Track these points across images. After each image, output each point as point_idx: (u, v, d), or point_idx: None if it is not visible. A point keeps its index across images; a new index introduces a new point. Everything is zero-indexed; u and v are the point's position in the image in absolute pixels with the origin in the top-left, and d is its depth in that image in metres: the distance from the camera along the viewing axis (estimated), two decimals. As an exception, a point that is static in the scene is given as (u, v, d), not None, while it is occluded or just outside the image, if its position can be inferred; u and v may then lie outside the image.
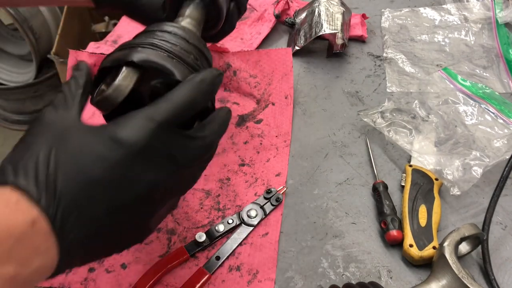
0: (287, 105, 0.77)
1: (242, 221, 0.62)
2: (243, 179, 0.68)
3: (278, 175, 0.68)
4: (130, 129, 0.33)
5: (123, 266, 0.59)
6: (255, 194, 0.66)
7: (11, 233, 0.28)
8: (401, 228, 0.59)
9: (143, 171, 0.33)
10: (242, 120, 0.76)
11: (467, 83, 0.77)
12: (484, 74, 0.82)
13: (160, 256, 0.60)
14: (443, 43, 0.88)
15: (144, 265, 0.59)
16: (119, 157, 0.32)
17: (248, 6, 0.98)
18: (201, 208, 0.65)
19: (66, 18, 1.40)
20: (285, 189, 0.66)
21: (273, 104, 0.78)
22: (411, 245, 0.57)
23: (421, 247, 0.57)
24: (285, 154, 0.71)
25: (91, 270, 0.59)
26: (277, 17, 0.91)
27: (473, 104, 0.73)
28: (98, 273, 0.58)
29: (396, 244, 0.59)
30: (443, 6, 0.93)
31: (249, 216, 0.63)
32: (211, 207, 0.65)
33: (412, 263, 0.57)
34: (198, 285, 0.56)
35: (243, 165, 0.70)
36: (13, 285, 0.29)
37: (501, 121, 0.70)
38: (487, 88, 0.76)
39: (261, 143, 0.73)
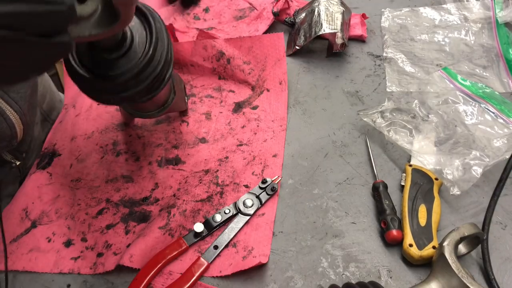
0: (281, 90, 0.78)
1: (239, 211, 0.63)
2: (241, 156, 0.70)
3: (275, 156, 0.70)
4: None
5: (128, 245, 0.60)
6: (253, 173, 0.67)
7: None
8: (401, 227, 0.59)
9: None
10: (239, 106, 0.77)
11: (467, 83, 0.77)
12: (484, 73, 0.82)
13: (159, 228, 0.60)
14: (443, 42, 0.88)
15: (144, 237, 0.59)
16: None
17: (248, 5, 0.99)
18: (200, 182, 0.65)
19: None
20: (280, 178, 0.67)
21: (268, 90, 0.79)
22: (410, 245, 0.57)
23: (420, 247, 0.57)
24: (281, 137, 0.72)
25: (99, 255, 0.60)
26: (276, 14, 0.91)
27: (473, 104, 0.73)
28: (107, 257, 0.59)
29: (396, 244, 0.59)
30: (443, 5, 0.93)
31: (245, 206, 0.63)
32: (210, 181, 0.66)
33: (412, 263, 0.57)
34: (197, 274, 0.57)
35: (241, 145, 0.72)
36: None
37: (501, 120, 0.70)
38: (487, 87, 0.76)
39: (258, 126, 0.74)
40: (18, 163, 0.70)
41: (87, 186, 0.68)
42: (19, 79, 0.39)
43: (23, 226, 0.63)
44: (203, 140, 0.73)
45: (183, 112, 0.76)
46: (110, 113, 0.77)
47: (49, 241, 0.62)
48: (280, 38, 0.84)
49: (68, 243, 0.62)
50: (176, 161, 0.70)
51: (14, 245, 0.62)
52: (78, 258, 0.60)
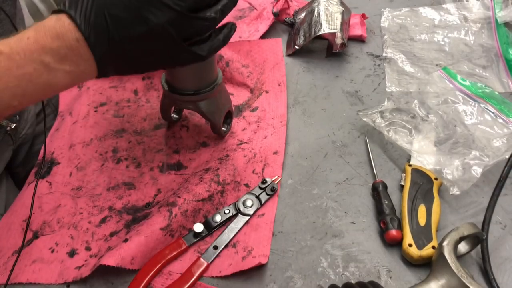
0: (280, 91, 0.79)
1: (239, 211, 0.63)
2: (242, 154, 0.70)
3: (275, 153, 0.69)
4: None
5: (125, 240, 0.59)
6: (253, 172, 0.67)
7: (65, 44, 0.44)
8: (400, 227, 0.59)
9: (151, 13, 0.44)
10: (239, 110, 0.77)
11: (467, 83, 0.77)
12: (484, 73, 0.82)
13: (161, 229, 0.60)
14: (443, 42, 0.88)
15: (145, 237, 0.59)
16: (132, 3, 0.44)
17: (248, 5, 0.99)
18: (201, 181, 0.65)
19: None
20: (280, 178, 0.67)
21: (266, 92, 0.79)
22: (410, 245, 0.57)
23: (420, 247, 0.57)
24: (282, 133, 0.72)
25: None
26: (276, 14, 0.91)
27: (473, 104, 0.73)
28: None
29: (395, 244, 0.59)
30: (443, 5, 0.93)
31: (245, 206, 0.63)
32: (211, 180, 0.65)
33: (412, 263, 0.57)
34: (197, 274, 0.57)
35: (241, 143, 0.71)
36: (71, 78, 0.46)
37: (500, 120, 0.70)
38: (486, 87, 0.76)
39: (258, 126, 0.74)
40: (13, 125, 0.70)
41: (88, 194, 0.67)
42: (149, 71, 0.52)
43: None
44: (204, 144, 0.73)
45: (216, 129, 0.71)
46: (108, 120, 0.77)
47: (52, 251, 0.61)
48: (278, 43, 0.85)
49: (72, 253, 0.61)
50: (178, 166, 0.70)
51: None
52: (82, 266, 0.59)
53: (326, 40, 0.87)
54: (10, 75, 0.43)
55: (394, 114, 0.72)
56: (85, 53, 0.45)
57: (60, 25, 0.44)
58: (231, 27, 0.54)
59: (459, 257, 0.55)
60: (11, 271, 0.57)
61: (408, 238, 0.57)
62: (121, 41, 0.45)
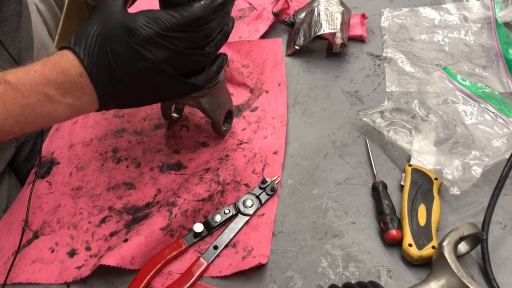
0: (280, 91, 0.79)
1: (239, 211, 0.63)
2: (242, 154, 0.69)
3: (275, 153, 0.69)
4: (143, 24, 0.47)
5: (125, 240, 0.59)
6: (253, 172, 0.67)
7: (69, 78, 0.47)
8: (400, 227, 0.59)
9: (149, 51, 0.47)
10: (239, 110, 0.77)
11: (467, 83, 0.77)
12: (484, 73, 0.82)
13: (161, 229, 0.60)
14: (443, 42, 0.88)
15: (145, 237, 0.59)
16: (132, 41, 0.47)
17: (248, 5, 0.99)
18: (201, 180, 0.65)
19: (66, 17, 1.40)
20: (280, 178, 0.67)
21: (266, 92, 0.79)
22: (410, 245, 0.57)
23: (420, 247, 0.57)
24: (282, 133, 0.72)
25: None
26: (276, 15, 0.91)
27: (473, 104, 0.73)
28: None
29: (395, 244, 0.59)
30: (443, 5, 0.93)
31: (245, 206, 0.63)
32: (211, 180, 0.65)
33: (412, 263, 0.57)
34: (197, 274, 0.57)
35: (241, 143, 0.71)
36: (72, 110, 0.50)
37: (500, 120, 0.70)
38: (486, 87, 0.76)
39: (258, 126, 0.74)
40: None
41: (88, 194, 0.67)
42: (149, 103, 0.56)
43: (24, 237, 0.62)
44: (204, 144, 0.73)
45: (216, 127, 0.71)
46: (108, 120, 0.77)
47: (52, 251, 0.61)
48: (278, 43, 0.85)
49: (72, 253, 0.61)
50: (178, 166, 0.70)
51: (17, 257, 0.60)
52: (82, 266, 0.59)
53: (326, 40, 0.88)
54: (15, 104, 0.47)
55: (394, 114, 0.72)
56: (87, 87, 0.48)
57: (65, 60, 0.48)
58: (223, 58, 0.58)
59: (459, 257, 0.55)
60: (8, 271, 0.57)
61: (408, 238, 0.57)
62: (122, 76, 0.48)
